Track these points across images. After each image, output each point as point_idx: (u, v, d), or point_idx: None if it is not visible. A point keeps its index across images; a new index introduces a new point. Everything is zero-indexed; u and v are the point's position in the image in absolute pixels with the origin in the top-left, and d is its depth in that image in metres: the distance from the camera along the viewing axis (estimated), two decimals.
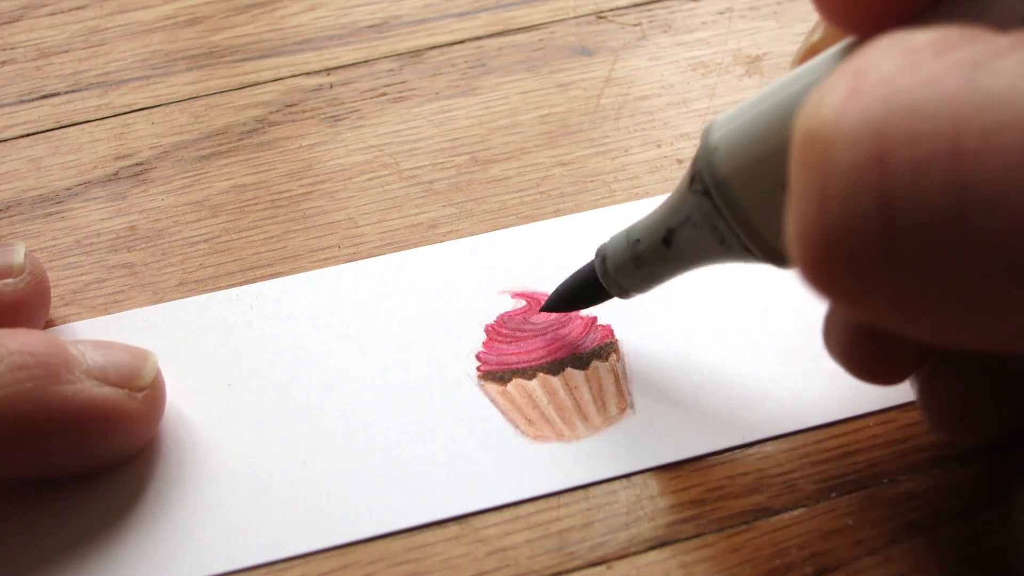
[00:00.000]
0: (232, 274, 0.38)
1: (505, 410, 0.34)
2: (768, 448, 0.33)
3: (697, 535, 0.31)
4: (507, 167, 0.41)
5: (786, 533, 0.31)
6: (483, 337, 0.36)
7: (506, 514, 0.32)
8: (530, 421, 0.34)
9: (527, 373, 0.35)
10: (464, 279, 0.37)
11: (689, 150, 0.41)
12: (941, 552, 0.31)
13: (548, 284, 0.37)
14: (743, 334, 0.35)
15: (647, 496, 0.32)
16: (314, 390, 0.35)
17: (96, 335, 0.36)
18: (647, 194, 0.39)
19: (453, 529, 0.31)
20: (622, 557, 0.31)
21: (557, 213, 0.39)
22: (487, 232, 0.38)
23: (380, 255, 0.38)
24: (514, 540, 0.31)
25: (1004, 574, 0.30)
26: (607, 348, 0.35)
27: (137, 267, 0.38)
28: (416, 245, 0.38)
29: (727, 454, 0.33)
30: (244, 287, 0.37)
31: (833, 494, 0.32)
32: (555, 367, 0.35)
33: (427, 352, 0.35)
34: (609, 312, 0.36)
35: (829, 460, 0.32)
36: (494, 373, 0.35)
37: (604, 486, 0.32)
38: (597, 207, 0.39)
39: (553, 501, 0.32)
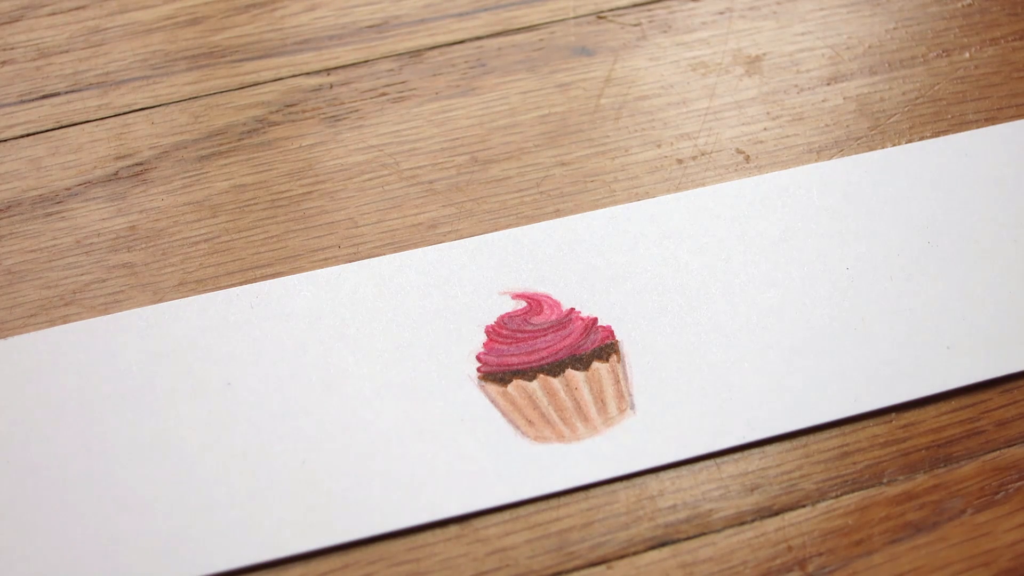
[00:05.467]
0: (232, 274, 0.38)
1: (505, 411, 0.34)
2: (768, 448, 0.33)
3: (697, 535, 0.31)
4: (507, 167, 0.41)
5: (786, 533, 0.31)
6: (483, 338, 0.36)
7: (506, 514, 0.32)
8: (530, 422, 0.34)
9: (527, 374, 0.35)
10: (464, 280, 0.37)
11: (689, 150, 0.41)
12: (941, 552, 0.31)
13: (549, 285, 0.37)
14: (743, 334, 0.35)
15: (647, 496, 0.32)
16: (314, 390, 0.35)
17: (96, 335, 0.36)
18: (647, 194, 0.39)
19: (453, 529, 0.31)
20: (622, 557, 0.31)
21: (557, 213, 0.39)
22: (487, 232, 0.38)
23: (380, 255, 0.38)
24: (514, 540, 0.31)
25: (1004, 574, 0.30)
26: (608, 349, 0.35)
27: (137, 267, 0.38)
28: (416, 245, 0.38)
29: (727, 454, 0.33)
30: (244, 287, 0.37)
31: (833, 494, 0.32)
32: (555, 368, 0.35)
33: (427, 353, 0.35)
34: (610, 313, 0.36)
35: (829, 460, 0.32)
36: (494, 374, 0.35)
37: (604, 486, 0.32)
38: (597, 207, 0.39)
39: (553, 501, 0.32)
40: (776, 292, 0.36)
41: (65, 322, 0.37)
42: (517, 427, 0.34)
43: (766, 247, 0.37)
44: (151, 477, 0.33)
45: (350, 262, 0.38)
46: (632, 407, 0.34)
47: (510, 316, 0.36)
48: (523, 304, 0.36)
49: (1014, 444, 0.33)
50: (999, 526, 0.31)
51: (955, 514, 0.31)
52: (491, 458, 0.33)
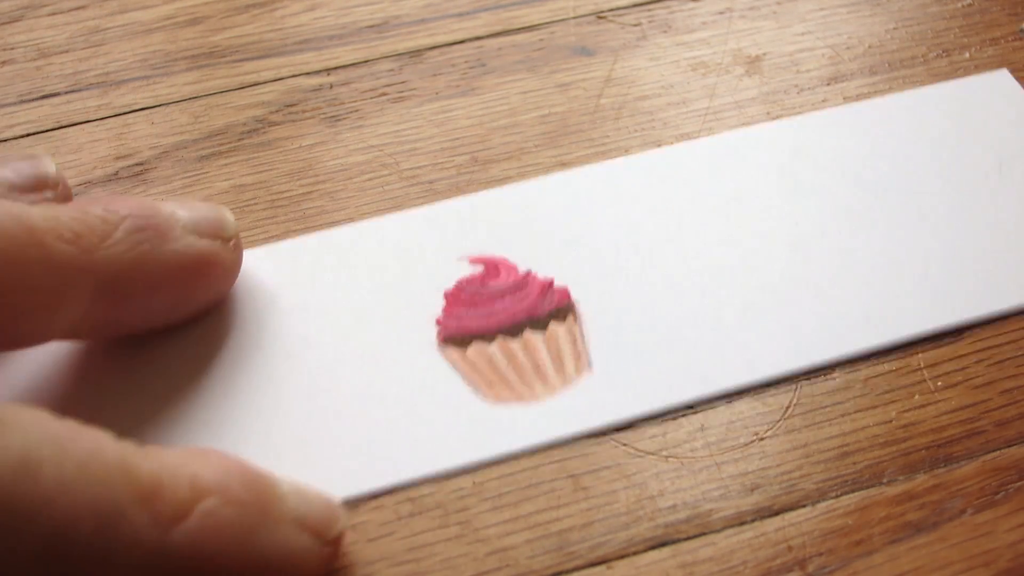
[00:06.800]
0: None
1: (466, 374, 0.34)
2: (768, 448, 0.33)
3: (697, 535, 0.31)
4: (507, 167, 0.41)
5: (786, 533, 0.31)
6: (443, 303, 0.36)
7: (506, 514, 0.32)
8: (490, 384, 0.34)
9: (486, 337, 0.35)
10: (423, 246, 0.37)
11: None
12: (941, 552, 0.31)
13: (506, 249, 0.37)
14: (697, 292, 0.36)
15: (647, 496, 0.32)
16: (275, 359, 0.35)
17: None
18: None
19: (453, 529, 0.31)
20: (622, 557, 0.31)
21: None
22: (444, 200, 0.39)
23: None
24: (514, 540, 0.31)
25: (1004, 574, 0.30)
26: (564, 310, 0.36)
27: None
28: None
29: (727, 454, 0.33)
30: None
31: (833, 494, 0.32)
32: (514, 330, 0.35)
33: (387, 319, 0.36)
34: (566, 274, 0.36)
35: (829, 460, 0.32)
36: (454, 338, 0.35)
37: (603, 486, 0.32)
38: None
39: (553, 500, 0.32)
40: (728, 250, 0.37)
41: None
42: (478, 389, 0.34)
43: (718, 206, 0.38)
44: None
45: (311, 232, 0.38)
46: (589, 366, 0.34)
47: (468, 280, 0.36)
48: (480, 268, 0.37)
49: (1014, 444, 0.33)
50: (999, 526, 0.31)
51: (955, 514, 0.31)
52: (453, 421, 0.33)
